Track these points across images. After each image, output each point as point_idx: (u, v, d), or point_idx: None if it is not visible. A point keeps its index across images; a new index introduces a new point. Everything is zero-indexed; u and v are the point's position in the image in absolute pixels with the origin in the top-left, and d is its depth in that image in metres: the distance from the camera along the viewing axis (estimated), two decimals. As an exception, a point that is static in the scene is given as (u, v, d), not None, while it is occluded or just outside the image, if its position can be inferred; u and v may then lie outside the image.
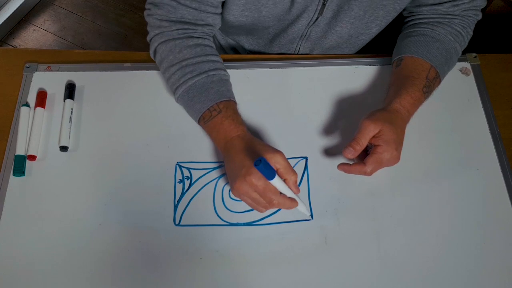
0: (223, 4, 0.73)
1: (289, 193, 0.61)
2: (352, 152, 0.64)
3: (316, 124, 0.74)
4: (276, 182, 0.57)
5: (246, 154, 0.61)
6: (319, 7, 0.72)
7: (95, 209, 0.65)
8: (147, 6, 0.72)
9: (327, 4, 0.71)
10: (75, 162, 0.69)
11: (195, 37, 0.71)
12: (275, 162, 0.59)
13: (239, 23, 0.77)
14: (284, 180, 0.60)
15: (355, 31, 0.78)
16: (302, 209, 0.64)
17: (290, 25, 0.77)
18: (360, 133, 0.64)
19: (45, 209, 0.65)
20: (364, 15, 0.74)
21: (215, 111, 0.67)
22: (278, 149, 0.61)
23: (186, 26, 0.70)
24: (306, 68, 0.80)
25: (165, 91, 0.75)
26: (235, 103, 0.70)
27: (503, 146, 0.72)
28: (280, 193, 0.60)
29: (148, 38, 0.72)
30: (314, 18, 0.74)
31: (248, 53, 0.91)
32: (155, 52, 0.72)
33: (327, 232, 0.65)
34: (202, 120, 0.68)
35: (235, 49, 0.93)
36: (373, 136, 0.64)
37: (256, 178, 0.58)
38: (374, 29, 0.79)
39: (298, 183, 0.63)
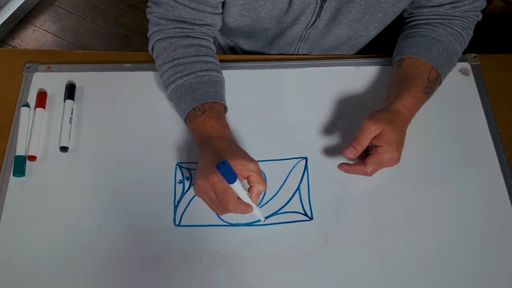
0: (223, 5, 0.73)
1: (247, 199, 0.60)
2: (353, 152, 0.64)
3: (316, 124, 0.74)
4: (236, 187, 0.57)
5: (219, 155, 0.60)
6: (316, 9, 0.72)
7: (95, 209, 0.65)
8: (148, 4, 0.72)
9: (324, 6, 0.71)
10: (75, 163, 0.69)
11: (192, 36, 0.71)
12: (247, 169, 0.58)
13: (238, 24, 0.77)
14: (250, 187, 0.60)
15: (354, 33, 0.78)
16: (257, 215, 0.63)
17: (289, 27, 0.77)
18: (361, 133, 0.64)
19: (45, 209, 0.65)
20: (362, 17, 0.74)
21: (199, 111, 0.67)
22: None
23: (183, 26, 0.70)
24: (306, 68, 0.80)
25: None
26: (222, 105, 0.69)
27: (503, 147, 0.72)
28: (239, 198, 0.59)
29: (148, 34, 0.73)
30: (312, 20, 0.74)
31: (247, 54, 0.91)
32: (152, 48, 0.73)
33: (327, 232, 0.65)
34: (187, 119, 0.68)
35: (234, 50, 0.93)
36: (374, 137, 0.64)
37: (218, 179, 0.57)
38: (373, 31, 0.79)
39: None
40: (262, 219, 0.65)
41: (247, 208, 0.60)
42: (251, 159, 0.60)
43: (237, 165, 0.58)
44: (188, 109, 0.67)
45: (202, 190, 0.59)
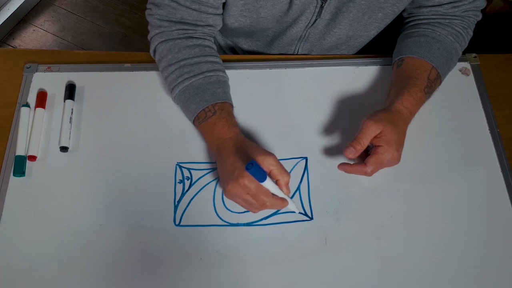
0: (223, 5, 0.73)
1: (280, 193, 0.61)
2: (353, 152, 0.64)
3: (316, 124, 0.74)
4: (268, 184, 0.58)
5: (238, 156, 0.61)
6: (317, 9, 0.72)
7: (95, 209, 0.65)
8: (148, 6, 0.72)
9: (325, 6, 0.71)
10: (75, 163, 0.69)
11: (195, 37, 0.71)
12: (268, 164, 0.59)
13: (238, 25, 0.77)
14: (277, 181, 0.61)
15: (354, 33, 0.78)
16: (292, 208, 0.64)
17: (289, 27, 0.77)
18: (362, 133, 0.64)
19: (45, 209, 0.65)
20: (362, 17, 0.74)
21: (210, 112, 0.67)
22: (276, 149, 0.61)
23: (186, 27, 0.70)
24: (306, 68, 0.80)
25: (165, 91, 0.75)
26: (231, 105, 0.70)
27: (503, 146, 0.72)
28: (272, 194, 0.60)
29: (148, 37, 0.73)
30: (312, 20, 0.74)
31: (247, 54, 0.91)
32: (154, 51, 0.72)
33: (327, 232, 0.65)
34: (196, 121, 0.68)
35: (234, 50, 0.93)
36: (375, 137, 0.64)
37: (249, 181, 0.58)
38: (373, 31, 0.79)
39: (290, 183, 0.63)
40: (297, 211, 0.65)
41: (283, 202, 0.62)
42: (268, 153, 0.60)
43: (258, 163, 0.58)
44: (198, 110, 0.67)
45: (235, 194, 0.60)
